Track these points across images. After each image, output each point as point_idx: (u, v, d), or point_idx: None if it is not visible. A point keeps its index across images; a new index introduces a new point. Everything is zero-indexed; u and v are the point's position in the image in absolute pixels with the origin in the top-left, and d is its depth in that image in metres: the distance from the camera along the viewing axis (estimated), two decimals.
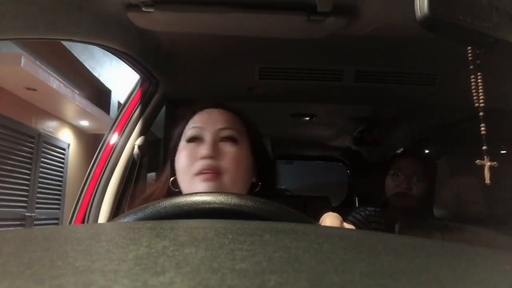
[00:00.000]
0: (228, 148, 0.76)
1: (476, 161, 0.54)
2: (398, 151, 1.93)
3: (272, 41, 1.17)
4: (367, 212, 1.57)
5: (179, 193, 0.80)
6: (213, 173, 0.73)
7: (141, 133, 1.27)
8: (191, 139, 0.79)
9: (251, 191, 0.81)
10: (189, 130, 0.81)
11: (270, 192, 0.84)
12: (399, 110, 1.92)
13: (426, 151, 2.19)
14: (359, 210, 1.60)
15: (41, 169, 5.10)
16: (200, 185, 0.73)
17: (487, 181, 0.53)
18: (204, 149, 0.75)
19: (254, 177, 0.82)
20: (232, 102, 1.79)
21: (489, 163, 0.54)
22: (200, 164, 0.74)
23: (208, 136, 0.77)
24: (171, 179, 0.81)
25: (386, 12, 0.98)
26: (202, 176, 0.73)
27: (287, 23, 1.00)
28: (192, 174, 0.74)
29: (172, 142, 0.86)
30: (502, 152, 1.48)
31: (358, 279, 0.21)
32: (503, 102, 1.31)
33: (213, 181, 0.72)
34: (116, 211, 1.18)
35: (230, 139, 0.78)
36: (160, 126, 1.49)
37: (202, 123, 0.80)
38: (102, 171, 1.20)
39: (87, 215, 1.16)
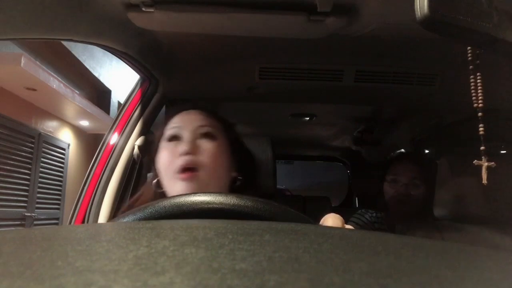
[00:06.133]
0: (206, 144, 0.79)
1: (474, 162, 0.54)
2: (394, 154, 1.90)
3: (272, 41, 1.17)
4: (369, 216, 1.53)
5: (163, 194, 0.81)
6: (191, 172, 0.75)
7: (141, 133, 1.27)
8: (171, 138, 0.82)
9: (232, 185, 0.84)
10: (169, 130, 0.84)
11: (252, 187, 0.87)
12: (399, 110, 1.92)
13: (426, 151, 2.19)
14: (361, 213, 1.56)
15: (41, 169, 5.09)
16: (179, 184, 0.75)
17: (484, 181, 0.53)
18: (183, 146, 0.78)
19: (234, 172, 0.85)
20: (232, 102, 1.80)
21: (486, 164, 0.54)
22: (179, 161, 0.76)
23: (186, 134, 0.81)
24: (155, 180, 0.84)
25: (386, 12, 0.98)
26: (180, 176, 0.75)
27: (287, 23, 1.00)
28: (173, 172, 0.77)
29: (154, 144, 0.90)
30: (501, 152, 1.48)
31: (358, 279, 0.21)
32: (503, 102, 1.31)
33: (191, 180, 0.75)
34: (116, 211, 1.18)
35: (208, 136, 0.81)
36: (160, 126, 1.49)
37: (181, 123, 0.84)
38: (102, 171, 1.20)
39: (87, 215, 1.16)
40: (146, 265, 0.22)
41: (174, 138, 0.81)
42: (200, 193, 0.51)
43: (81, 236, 0.33)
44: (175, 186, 0.76)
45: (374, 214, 1.53)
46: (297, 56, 1.33)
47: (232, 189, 0.85)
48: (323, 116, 2.07)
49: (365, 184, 2.59)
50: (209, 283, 0.20)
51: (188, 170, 0.75)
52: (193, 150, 0.77)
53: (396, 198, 1.42)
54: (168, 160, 0.79)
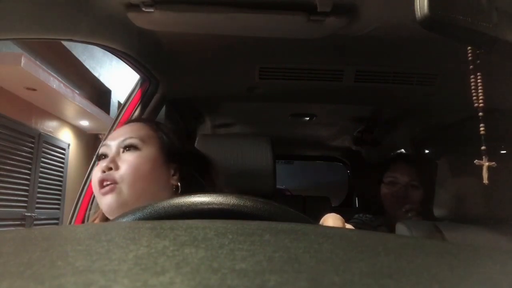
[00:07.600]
0: (127, 157, 0.79)
1: (475, 161, 0.54)
2: (392, 156, 1.87)
3: (272, 41, 1.17)
4: (366, 218, 1.51)
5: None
6: (111, 184, 0.76)
7: None
8: (100, 157, 0.83)
9: (176, 193, 0.81)
10: (100, 149, 0.85)
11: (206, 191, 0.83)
12: (399, 110, 1.92)
13: (426, 151, 2.19)
14: (359, 217, 1.54)
15: (41, 169, 5.09)
16: (102, 199, 0.77)
17: (485, 181, 0.53)
18: (103, 162, 0.79)
19: (176, 180, 0.82)
20: (232, 102, 1.80)
21: (487, 163, 0.54)
22: (99, 177, 0.77)
23: (111, 150, 0.81)
24: None
25: (386, 12, 0.98)
26: (100, 191, 0.76)
27: (287, 23, 1.00)
28: (97, 189, 0.78)
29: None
30: (502, 152, 1.48)
31: (358, 279, 0.21)
32: (503, 102, 1.31)
33: (110, 193, 0.75)
34: None
35: (131, 147, 0.80)
36: None
37: (108, 140, 0.84)
38: None
39: (87, 215, 1.16)
40: (146, 265, 0.22)
41: (103, 156, 0.82)
42: (200, 194, 0.51)
43: (81, 236, 0.33)
44: (100, 202, 0.78)
45: (371, 217, 1.51)
46: (297, 56, 1.33)
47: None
48: (323, 116, 2.07)
49: (365, 184, 2.59)
50: (209, 283, 0.20)
51: (108, 184, 0.76)
52: (114, 165, 0.77)
53: (394, 199, 1.40)
54: (94, 178, 0.79)
